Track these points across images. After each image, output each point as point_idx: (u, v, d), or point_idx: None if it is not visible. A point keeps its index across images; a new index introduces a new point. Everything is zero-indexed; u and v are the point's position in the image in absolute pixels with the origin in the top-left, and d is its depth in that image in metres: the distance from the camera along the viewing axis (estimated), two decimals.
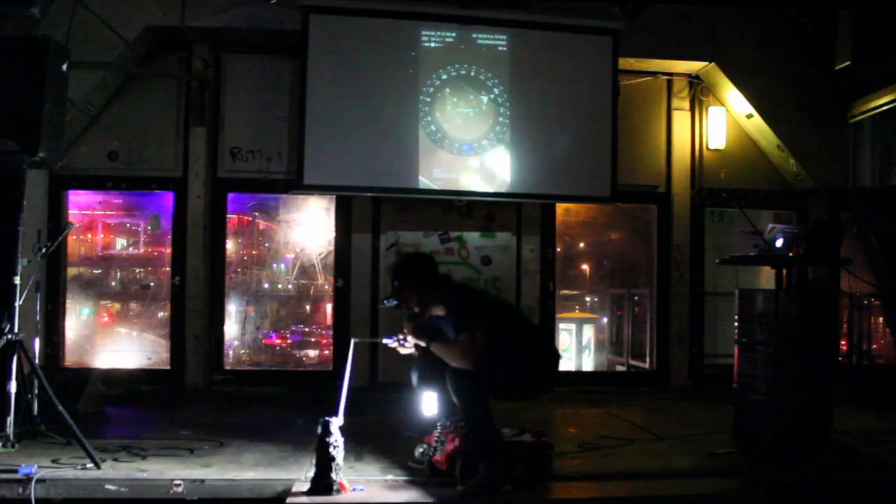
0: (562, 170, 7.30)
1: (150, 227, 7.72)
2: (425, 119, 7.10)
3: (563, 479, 4.15)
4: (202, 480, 3.89)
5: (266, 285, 7.96)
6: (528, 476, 4.01)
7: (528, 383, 4.12)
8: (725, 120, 7.84)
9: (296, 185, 7.03)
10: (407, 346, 4.07)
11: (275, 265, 8.02)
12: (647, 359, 7.99)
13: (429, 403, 4.11)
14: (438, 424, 4.05)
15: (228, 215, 7.49)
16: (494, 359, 3.80)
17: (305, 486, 3.74)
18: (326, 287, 7.71)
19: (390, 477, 4.07)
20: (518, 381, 4.02)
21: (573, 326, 8.21)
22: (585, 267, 8.66)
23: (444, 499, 3.76)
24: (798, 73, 7.66)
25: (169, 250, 7.38)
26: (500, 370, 3.84)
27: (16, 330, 4.39)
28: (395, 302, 4.02)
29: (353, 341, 4.12)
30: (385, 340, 4.15)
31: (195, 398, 6.77)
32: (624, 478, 4.22)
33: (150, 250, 7.77)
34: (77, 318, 7.36)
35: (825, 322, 5.07)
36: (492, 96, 7.21)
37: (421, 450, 4.11)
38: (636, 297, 8.34)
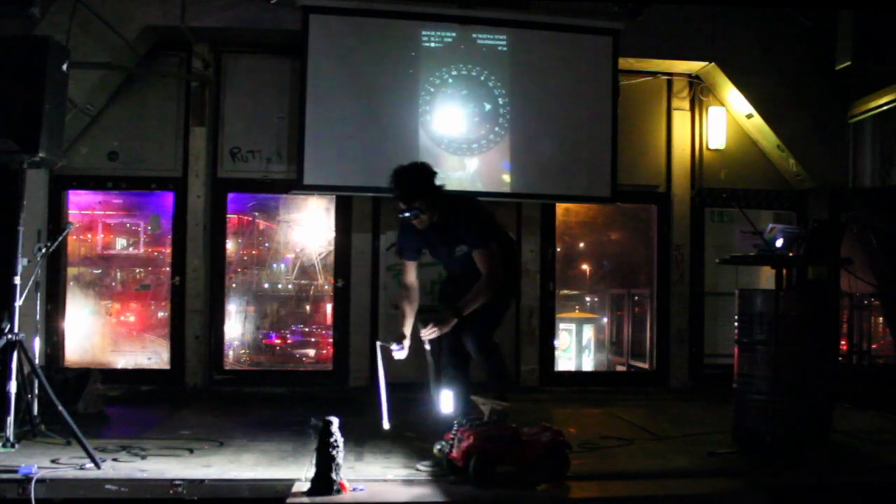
0: (562, 170, 7.30)
1: (150, 227, 7.72)
2: (425, 119, 7.10)
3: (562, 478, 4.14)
4: (202, 480, 3.89)
5: (266, 285, 7.95)
6: (546, 477, 3.95)
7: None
8: (725, 120, 7.85)
9: (296, 185, 7.02)
10: (402, 351, 4.24)
11: (275, 265, 8.02)
12: (647, 359, 7.99)
13: (446, 401, 4.14)
14: (455, 422, 4.06)
15: (228, 215, 7.50)
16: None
17: (305, 486, 3.74)
18: (326, 287, 7.70)
19: (390, 477, 4.07)
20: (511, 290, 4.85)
21: (573, 326, 8.21)
22: (585, 267, 8.65)
23: (446, 498, 3.76)
24: (798, 73, 7.65)
25: (169, 250, 7.38)
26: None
27: (16, 330, 4.39)
28: (416, 213, 4.19)
29: (378, 344, 4.16)
30: (393, 347, 4.19)
31: (195, 398, 6.75)
32: (624, 478, 4.22)
33: (150, 250, 7.76)
34: (77, 317, 7.35)
35: (825, 322, 5.06)
36: (491, 96, 7.20)
37: (439, 446, 4.12)
38: (636, 297, 8.34)
